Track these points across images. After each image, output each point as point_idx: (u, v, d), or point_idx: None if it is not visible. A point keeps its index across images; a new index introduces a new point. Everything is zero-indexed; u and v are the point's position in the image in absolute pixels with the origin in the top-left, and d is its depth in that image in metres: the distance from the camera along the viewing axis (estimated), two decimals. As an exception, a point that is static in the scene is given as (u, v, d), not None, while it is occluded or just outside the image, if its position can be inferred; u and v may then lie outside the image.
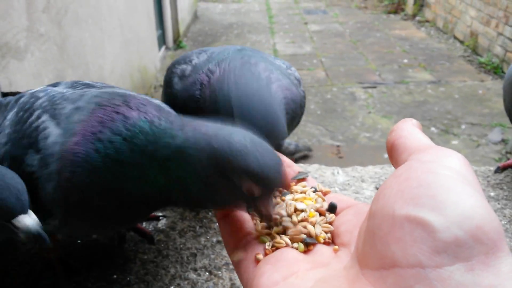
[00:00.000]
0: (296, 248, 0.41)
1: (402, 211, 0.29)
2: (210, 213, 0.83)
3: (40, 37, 1.79)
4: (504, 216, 0.85)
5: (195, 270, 0.70)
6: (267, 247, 0.42)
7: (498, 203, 0.89)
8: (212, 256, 0.73)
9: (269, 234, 0.43)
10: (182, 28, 5.44)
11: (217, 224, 0.80)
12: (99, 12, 2.59)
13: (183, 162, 0.43)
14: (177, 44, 5.22)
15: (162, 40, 4.89)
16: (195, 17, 6.54)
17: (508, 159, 2.88)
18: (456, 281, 0.26)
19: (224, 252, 0.74)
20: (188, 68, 0.72)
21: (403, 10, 6.69)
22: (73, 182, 0.46)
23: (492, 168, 1.03)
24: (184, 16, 5.66)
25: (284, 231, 0.43)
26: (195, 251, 0.74)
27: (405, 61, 4.76)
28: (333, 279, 0.34)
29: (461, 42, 5.17)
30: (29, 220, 0.43)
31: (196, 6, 6.84)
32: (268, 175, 0.41)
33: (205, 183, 0.43)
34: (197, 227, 0.80)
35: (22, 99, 0.58)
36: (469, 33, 5.02)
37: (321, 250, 0.40)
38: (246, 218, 0.46)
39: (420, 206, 0.28)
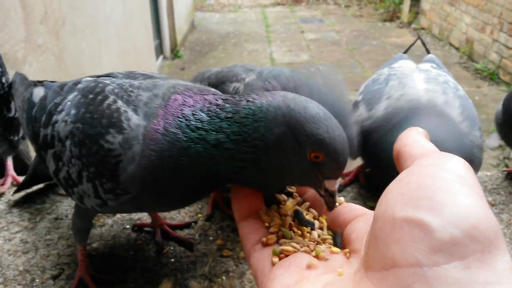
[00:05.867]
0: (309, 253, 0.42)
1: (401, 213, 0.30)
2: (210, 220, 0.83)
3: (38, 48, 1.80)
4: (502, 220, 0.86)
5: (195, 277, 0.70)
6: (282, 251, 0.43)
7: (495, 208, 0.90)
8: (212, 264, 0.73)
9: (284, 240, 0.45)
10: (179, 38, 5.46)
11: (217, 231, 0.80)
12: (96, 22, 2.60)
13: (259, 122, 0.45)
14: (175, 53, 5.24)
15: (159, 50, 4.91)
16: (192, 26, 6.58)
17: (506, 164, 2.89)
18: (453, 279, 0.26)
19: (224, 260, 0.74)
20: (241, 86, 0.75)
21: (398, 18, 6.74)
22: (152, 160, 0.48)
23: (489, 173, 1.03)
24: (181, 25, 5.69)
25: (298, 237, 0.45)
26: (195, 259, 0.74)
27: (402, 68, 4.78)
28: (340, 282, 0.36)
29: (457, 49, 5.21)
30: None
31: (193, 16, 6.87)
32: (335, 145, 0.43)
33: (276, 149, 0.44)
34: (197, 235, 0.80)
35: (82, 84, 0.59)
36: (465, 40, 5.06)
37: (333, 256, 0.42)
38: (264, 222, 0.47)
39: (418, 207, 0.29)
